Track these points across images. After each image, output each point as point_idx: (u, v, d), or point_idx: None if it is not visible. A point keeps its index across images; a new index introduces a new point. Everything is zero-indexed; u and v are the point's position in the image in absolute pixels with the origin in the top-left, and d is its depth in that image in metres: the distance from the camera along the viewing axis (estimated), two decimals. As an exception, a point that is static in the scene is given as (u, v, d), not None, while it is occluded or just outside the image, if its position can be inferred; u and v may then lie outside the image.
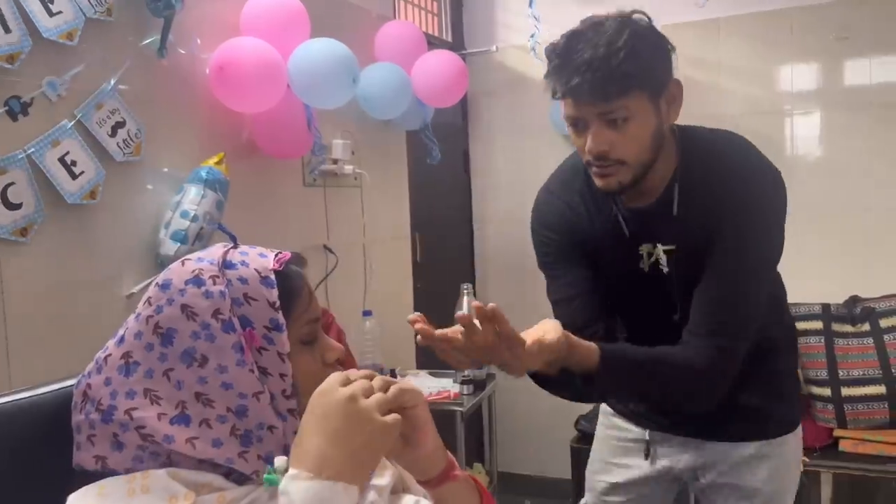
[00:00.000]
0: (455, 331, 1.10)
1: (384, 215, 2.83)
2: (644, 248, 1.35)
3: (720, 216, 1.26)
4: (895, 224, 2.84)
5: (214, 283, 0.79)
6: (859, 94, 2.92)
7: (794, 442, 1.49)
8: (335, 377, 0.74)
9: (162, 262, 1.78)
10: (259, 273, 0.80)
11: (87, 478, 0.76)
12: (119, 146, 1.71)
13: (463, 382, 2.49)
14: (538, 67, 3.29)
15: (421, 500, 0.86)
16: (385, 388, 0.75)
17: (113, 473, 0.76)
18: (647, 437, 1.53)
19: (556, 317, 1.37)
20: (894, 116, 2.84)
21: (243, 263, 0.81)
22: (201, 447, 0.76)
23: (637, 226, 1.34)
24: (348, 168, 2.49)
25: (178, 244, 1.73)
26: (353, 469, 0.71)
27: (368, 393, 0.73)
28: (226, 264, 0.81)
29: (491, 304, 1.06)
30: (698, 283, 1.29)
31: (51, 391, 0.90)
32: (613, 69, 1.15)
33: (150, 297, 0.81)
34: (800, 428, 1.50)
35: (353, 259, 2.60)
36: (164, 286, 0.80)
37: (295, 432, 0.79)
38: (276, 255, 0.84)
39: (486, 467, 3.02)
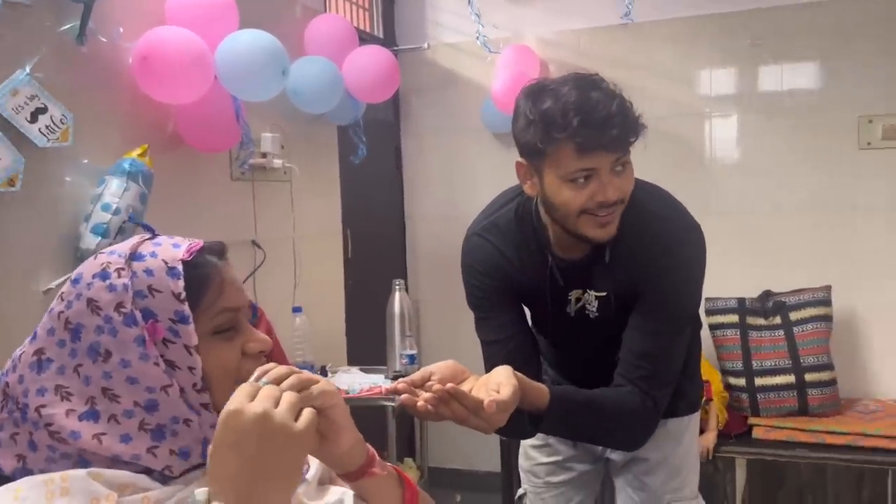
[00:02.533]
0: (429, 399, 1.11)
1: (314, 210, 2.80)
2: (573, 294, 1.43)
3: (648, 270, 1.35)
4: (804, 222, 3.00)
5: (119, 276, 0.77)
6: (772, 98, 3.07)
7: (695, 421, 1.64)
8: (242, 392, 0.71)
9: (81, 257, 1.72)
10: (166, 263, 0.78)
11: (6, 479, 0.74)
12: (42, 132, 1.64)
13: (395, 378, 2.49)
14: (470, 66, 3.35)
15: (347, 492, 0.87)
16: (300, 386, 0.73)
17: (30, 474, 0.74)
18: None
19: (488, 354, 1.44)
20: (804, 120, 2.99)
21: (152, 255, 0.79)
22: (108, 443, 0.74)
23: (569, 274, 1.41)
24: (277, 162, 2.46)
25: (99, 238, 1.68)
26: (278, 490, 0.69)
27: (277, 399, 0.70)
28: (135, 256, 0.79)
29: (449, 385, 1.07)
30: (626, 329, 1.38)
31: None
32: (631, 118, 1.25)
33: (62, 292, 0.80)
34: (699, 411, 1.66)
35: (282, 254, 2.57)
36: (75, 280, 0.79)
37: (212, 426, 0.78)
38: (190, 245, 0.82)
39: (416, 462, 3.04)
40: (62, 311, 0.78)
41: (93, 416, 0.75)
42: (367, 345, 3.00)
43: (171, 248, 0.81)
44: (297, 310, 2.51)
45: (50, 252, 1.71)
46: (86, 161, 1.80)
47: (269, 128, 2.45)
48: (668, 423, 1.54)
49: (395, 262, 3.54)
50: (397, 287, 2.57)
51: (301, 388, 0.73)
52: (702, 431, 2.46)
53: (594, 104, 1.22)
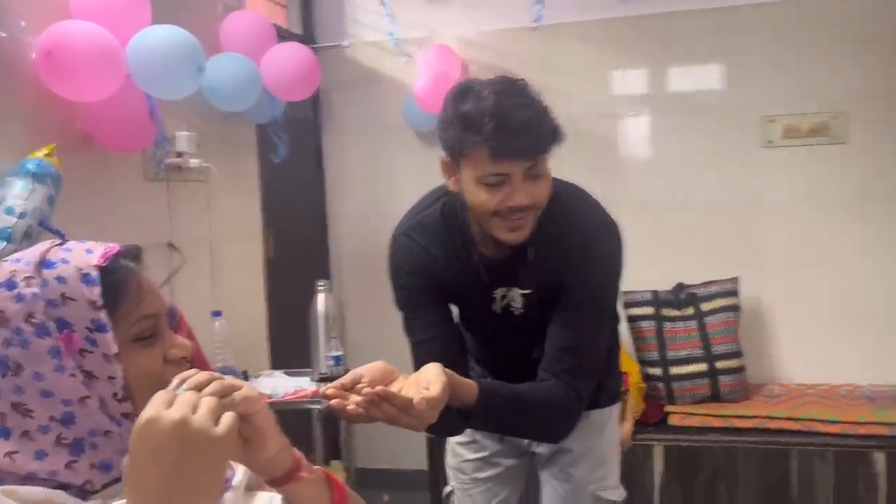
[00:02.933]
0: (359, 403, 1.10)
1: (233, 211, 2.74)
2: (498, 292, 1.45)
3: (569, 268, 1.39)
4: (713, 217, 3.15)
5: (28, 285, 0.74)
6: (681, 99, 3.20)
7: (617, 412, 1.71)
8: (159, 399, 0.68)
9: (-17, 263, 1.62)
10: (79, 270, 0.75)
11: None
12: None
13: (320, 380, 2.47)
14: (391, 65, 3.34)
15: (275, 497, 0.86)
16: (221, 392, 0.71)
17: None
18: None
19: (416, 354, 1.45)
20: (711, 120, 3.14)
21: (63, 261, 0.76)
22: (21, 461, 0.71)
23: (494, 273, 1.43)
24: (194, 162, 2.39)
25: (4, 243, 1.59)
26: (200, 497, 0.67)
27: (195, 405, 0.68)
28: (44, 263, 0.76)
29: (378, 388, 1.08)
30: (549, 325, 1.42)
31: None
32: (549, 127, 1.26)
33: None
34: (620, 402, 1.72)
35: (200, 257, 2.50)
36: None
37: None
38: (104, 250, 0.79)
39: (343, 464, 3.02)
40: None
41: (3, 433, 0.72)
42: (290, 348, 2.95)
43: (85, 254, 0.78)
44: (216, 314, 2.45)
45: (-53, 259, 1.61)
46: (-15, 162, 1.70)
47: (184, 126, 2.38)
48: (590, 414, 1.59)
49: (318, 263, 3.50)
50: (321, 288, 2.54)
51: (223, 393, 0.71)
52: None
53: (510, 111, 1.23)
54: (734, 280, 3.01)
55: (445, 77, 3.04)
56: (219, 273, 2.55)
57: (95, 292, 0.74)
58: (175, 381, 0.72)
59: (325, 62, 3.25)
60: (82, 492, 0.74)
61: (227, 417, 0.68)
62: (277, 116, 2.74)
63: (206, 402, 0.68)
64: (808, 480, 2.62)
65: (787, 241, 3.08)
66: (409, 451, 3.21)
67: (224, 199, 2.64)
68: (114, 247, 0.80)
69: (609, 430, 1.67)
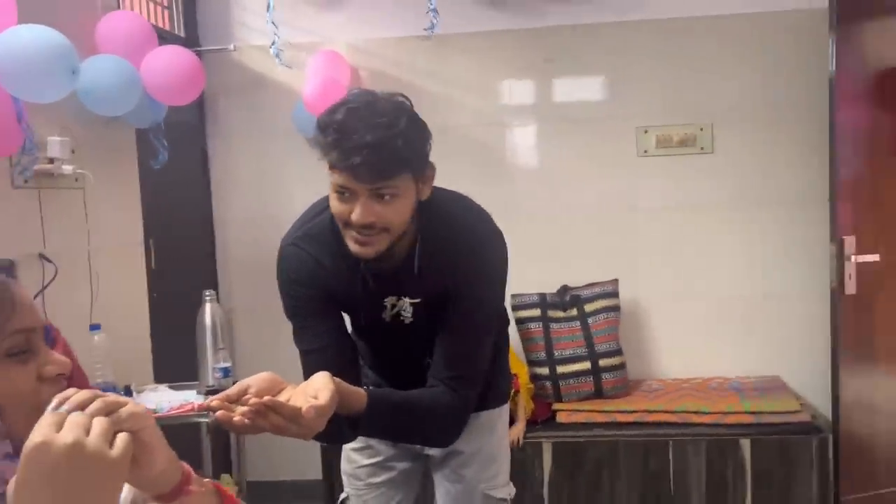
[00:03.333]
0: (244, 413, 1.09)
1: (112, 220, 2.61)
2: (389, 301, 1.47)
3: (456, 277, 1.43)
4: (593, 222, 3.30)
5: None
6: (564, 109, 3.34)
7: (506, 412, 1.76)
8: (46, 422, 0.65)
9: None
10: None
11: None
12: None
13: (208, 393, 2.40)
14: (280, 70, 3.29)
15: None
16: (106, 410, 0.69)
17: None
18: None
19: (306, 364, 1.45)
20: (590, 131, 3.29)
21: None
22: None
23: (383, 282, 1.45)
24: (68, 168, 2.26)
25: None
26: None
27: (88, 427, 0.66)
28: None
29: (266, 398, 1.07)
30: (437, 333, 1.45)
31: None
32: (392, 153, 1.25)
33: None
34: (509, 402, 1.77)
35: (76, 268, 2.37)
36: None
37: (7, 455, 0.73)
38: None
39: (234, 477, 2.94)
40: None
41: None
42: (175, 360, 2.84)
43: None
44: (94, 327, 2.33)
45: None
46: None
47: (57, 131, 2.25)
48: (480, 415, 1.63)
49: (205, 271, 3.39)
50: (208, 298, 2.47)
51: (108, 411, 0.69)
52: (511, 422, 2.62)
53: (352, 129, 1.25)
54: (614, 282, 3.17)
55: (335, 83, 3.03)
56: (97, 285, 2.43)
57: None
58: (55, 400, 0.70)
59: (211, 66, 3.16)
60: None
61: (122, 439, 0.67)
62: (159, 121, 2.64)
63: (99, 424, 0.66)
64: (684, 469, 2.79)
65: (661, 245, 3.27)
66: (302, 461, 3.17)
67: (102, 207, 2.51)
68: None
69: (499, 429, 1.72)
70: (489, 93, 3.36)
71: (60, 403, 0.69)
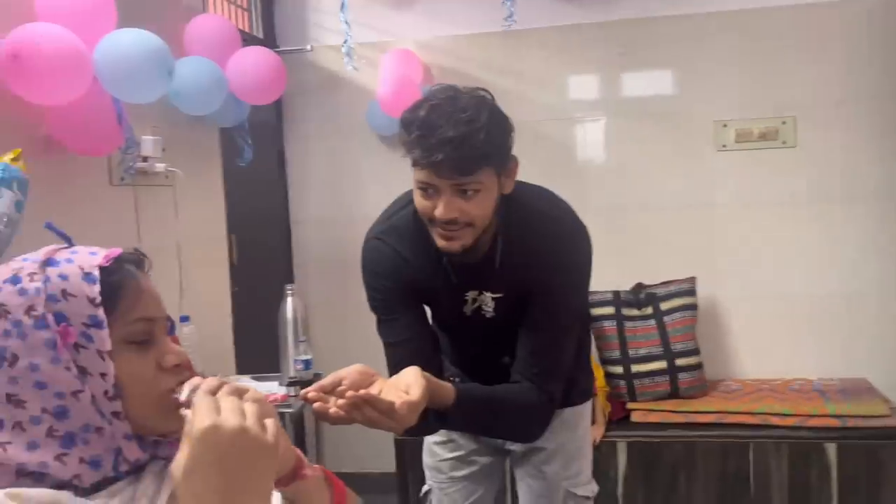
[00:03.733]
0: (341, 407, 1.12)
1: (198, 216, 2.71)
2: (470, 294, 1.48)
3: (539, 272, 1.42)
4: (670, 219, 3.24)
5: (31, 280, 0.76)
6: (638, 103, 3.29)
7: (588, 409, 1.75)
8: (207, 406, 0.68)
9: (-51, 270, 1.58)
10: (82, 269, 0.78)
11: None
12: None
13: (290, 385, 2.46)
14: (353, 70, 3.35)
15: (275, 495, 0.87)
16: (239, 395, 0.73)
17: None
18: None
19: (390, 355, 1.48)
20: (666, 125, 3.23)
21: (68, 260, 0.78)
22: (13, 452, 0.73)
23: (465, 276, 1.46)
24: (159, 166, 2.36)
25: (-29, 249, 1.55)
26: (259, 503, 0.69)
27: (243, 412, 0.69)
28: (49, 262, 0.78)
29: (362, 392, 1.10)
30: (520, 328, 1.45)
31: None
32: (474, 148, 1.25)
33: None
34: (592, 399, 1.77)
35: (166, 262, 2.47)
36: None
37: (125, 436, 0.77)
38: (108, 252, 0.81)
39: (311, 468, 3.01)
40: None
41: None
42: (256, 352, 2.94)
43: (88, 255, 0.80)
44: (184, 319, 2.43)
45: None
46: (-52, 167, 1.65)
47: (149, 130, 2.35)
48: (563, 412, 1.63)
49: (283, 267, 3.49)
50: (289, 292, 2.54)
51: (240, 393, 0.73)
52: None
53: (436, 125, 1.25)
54: (691, 280, 3.10)
55: (408, 81, 3.07)
56: (185, 278, 2.53)
57: (95, 290, 0.77)
58: (186, 387, 0.75)
59: (288, 66, 3.23)
60: (83, 491, 0.75)
61: (272, 423, 0.70)
62: (243, 120, 2.73)
63: (252, 409, 0.70)
64: (765, 472, 2.72)
65: (740, 242, 3.19)
66: (377, 454, 3.22)
67: (189, 203, 2.61)
68: (117, 250, 0.82)
69: (581, 426, 1.71)
70: (561, 88, 3.34)
71: (192, 390, 0.74)
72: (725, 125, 3.16)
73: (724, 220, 3.20)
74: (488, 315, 1.49)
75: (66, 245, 0.82)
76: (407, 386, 1.18)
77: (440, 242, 1.35)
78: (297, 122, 3.51)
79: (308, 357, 2.48)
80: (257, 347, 2.90)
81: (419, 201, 1.34)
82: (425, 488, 1.78)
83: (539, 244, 1.43)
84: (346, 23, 2.98)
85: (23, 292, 0.75)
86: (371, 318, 1.54)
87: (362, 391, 1.12)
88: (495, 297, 1.47)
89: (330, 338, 3.35)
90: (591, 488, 1.72)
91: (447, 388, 1.30)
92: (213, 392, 0.73)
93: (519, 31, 3.13)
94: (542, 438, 1.60)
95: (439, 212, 1.30)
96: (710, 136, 3.18)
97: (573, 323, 1.51)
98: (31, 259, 0.79)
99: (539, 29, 3.26)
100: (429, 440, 1.76)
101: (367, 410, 1.12)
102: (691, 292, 3.09)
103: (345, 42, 3.03)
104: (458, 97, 1.29)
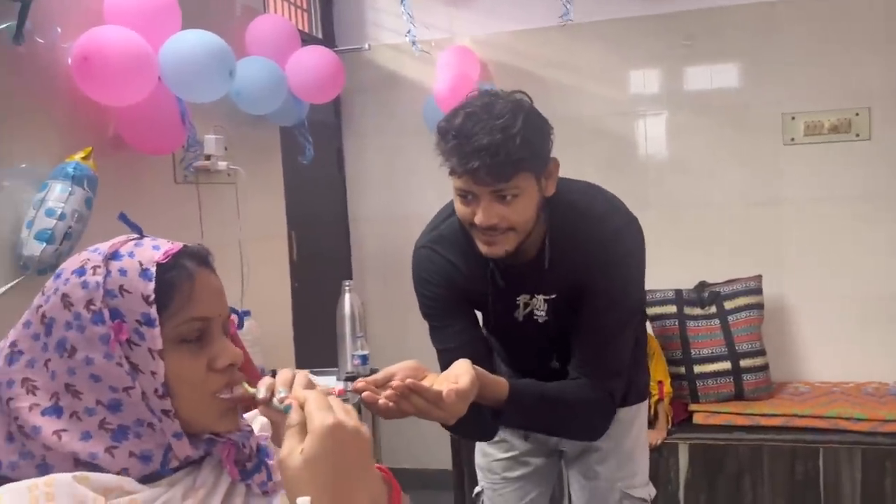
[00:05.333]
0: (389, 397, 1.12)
1: (259, 213, 2.77)
2: (521, 299, 1.47)
3: (590, 270, 1.40)
4: (735, 215, 3.15)
5: (94, 273, 0.77)
6: (701, 96, 3.20)
7: (644, 409, 1.71)
8: (322, 404, 0.72)
9: (25, 265, 1.65)
10: (140, 265, 0.77)
11: None
12: (-30, 140, 1.58)
13: (347, 379, 2.49)
14: (411, 67, 3.37)
15: None
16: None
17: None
18: None
19: (443, 362, 1.46)
20: (730, 118, 3.14)
21: (130, 255, 0.79)
22: (67, 440, 0.74)
23: (514, 280, 1.45)
24: (222, 164, 2.41)
25: (44, 244, 1.62)
26: (364, 499, 0.72)
27: (349, 412, 0.73)
28: (114, 255, 0.79)
29: (408, 380, 1.09)
30: (573, 330, 1.43)
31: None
32: (510, 154, 1.24)
33: (44, 287, 0.80)
34: (648, 399, 1.72)
35: (228, 258, 2.53)
36: (57, 275, 0.80)
37: (174, 435, 0.77)
38: (168, 248, 0.80)
39: (368, 463, 3.03)
40: (40, 306, 0.78)
41: (56, 411, 0.75)
42: (315, 347, 2.98)
43: (151, 250, 0.80)
44: (245, 314, 2.47)
45: (-10, 260, 1.64)
46: (24, 165, 1.73)
47: (212, 129, 2.41)
48: (618, 412, 1.58)
49: (341, 264, 3.53)
50: (347, 288, 2.56)
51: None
52: (651, 426, 2.55)
53: (471, 133, 1.24)
54: (757, 278, 3.00)
55: (465, 78, 3.06)
56: (247, 274, 2.58)
57: (149, 287, 0.76)
58: (262, 388, 0.77)
59: (346, 65, 3.27)
60: (151, 478, 0.77)
61: (363, 425, 0.73)
62: (303, 119, 2.77)
63: (353, 410, 0.73)
64: (836, 478, 2.61)
65: (809, 239, 3.07)
66: (434, 450, 3.23)
67: (251, 201, 2.66)
68: (178, 245, 0.82)
69: (636, 427, 1.67)
70: (621, 81, 3.28)
71: (269, 390, 0.77)
72: (794, 118, 3.04)
73: (792, 216, 3.09)
74: (541, 320, 1.47)
75: (136, 237, 0.82)
76: (456, 377, 1.17)
77: (483, 248, 1.35)
78: (354, 121, 3.54)
79: (365, 352, 2.50)
80: (316, 342, 2.94)
81: (459, 208, 1.34)
82: (477, 489, 1.76)
83: (588, 243, 1.41)
84: (409, 14, 3.00)
85: (85, 285, 0.76)
86: (427, 315, 1.53)
87: (409, 380, 1.12)
88: (547, 298, 1.45)
89: (386, 333, 3.37)
90: (648, 491, 1.67)
91: (500, 383, 1.29)
92: (288, 384, 0.77)
93: (577, 24, 3.08)
94: (603, 439, 1.57)
95: (479, 218, 1.30)
96: (777, 129, 3.07)
97: (629, 318, 1.48)
98: (99, 251, 0.80)
99: (598, 22, 3.21)
100: (479, 445, 1.73)
101: (415, 400, 1.11)
102: (757, 291, 2.99)
103: (408, 32, 3.04)
104: (494, 103, 1.28)
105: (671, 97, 3.24)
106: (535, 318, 1.47)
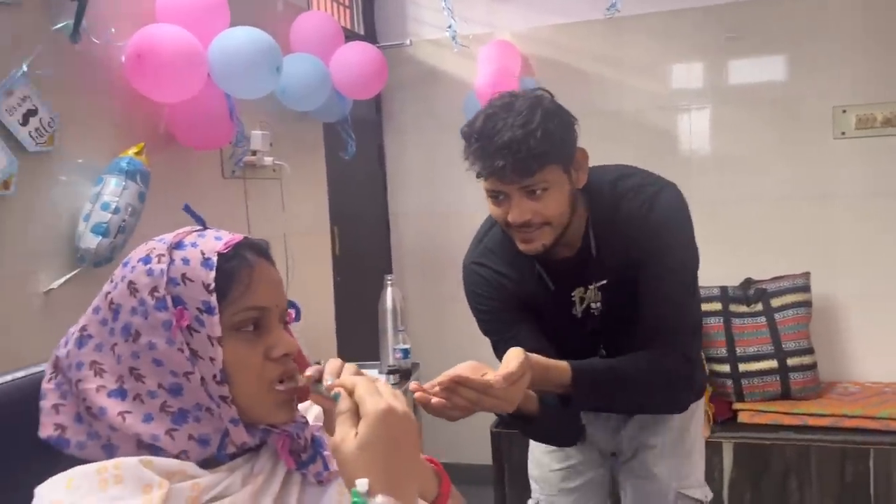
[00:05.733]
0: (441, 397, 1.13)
1: (303, 208, 2.80)
2: (576, 294, 1.46)
3: (640, 249, 1.39)
4: (782, 211, 3.08)
5: (158, 262, 0.79)
6: (747, 90, 3.14)
7: (702, 407, 1.68)
8: (372, 388, 0.74)
9: (82, 257, 1.70)
10: (203, 254, 0.80)
11: (52, 457, 0.76)
12: (31, 135, 1.62)
13: (389, 373, 2.51)
14: (452, 62, 3.37)
15: None
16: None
17: (67, 444, 0.77)
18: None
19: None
20: (778, 113, 3.07)
21: (193, 245, 0.81)
22: (131, 421, 0.76)
23: (563, 276, 1.45)
24: (267, 160, 2.45)
25: (100, 237, 1.66)
26: (414, 483, 0.75)
27: (398, 397, 0.75)
28: (178, 245, 0.81)
29: (455, 375, 1.10)
30: (638, 307, 1.40)
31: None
32: (532, 149, 1.25)
33: (113, 274, 0.83)
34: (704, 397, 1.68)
35: (273, 252, 2.55)
36: (124, 263, 0.83)
37: (231, 420, 0.79)
38: (229, 239, 0.83)
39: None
40: (109, 292, 0.81)
41: (121, 394, 0.78)
42: (357, 340, 3.01)
43: (213, 241, 0.82)
44: (290, 306, 2.51)
45: (49, 253, 1.69)
46: (80, 161, 1.78)
47: (258, 125, 2.45)
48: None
49: (381, 259, 3.55)
50: (389, 282, 2.58)
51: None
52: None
53: (493, 133, 1.26)
54: (806, 275, 2.94)
55: (506, 73, 3.05)
56: (291, 267, 2.61)
57: (210, 276, 0.79)
58: (328, 375, 0.79)
59: (387, 61, 3.29)
60: (212, 463, 0.79)
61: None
62: (346, 115, 2.79)
63: (401, 395, 0.75)
64: (887, 480, 2.54)
65: (860, 235, 3.00)
66: (473, 446, 3.23)
67: (295, 196, 2.70)
68: (238, 237, 0.84)
69: (693, 425, 1.63)
70: (664, 75, 3.23)
71: (317, 375, 0.80)
72: (845, 111, 2.97)
73: (842, 212, 3.01)
74: (597, 312, 1.46)
75: (199, 228, 0.85)
76: (506, 363, 1.17)
77: (521, 246, 1.36)
78: (395, 117, 3.56)
79: (406, 346, 2.52)
80: (358, 335, 2.97)
81: (493, 210, 1.36)
82: (531, 501, 1.73)
83: (629, 219, 1.40)
84: (449, 9, 3.00)
85: (150, 273, 0.79)
86: (467, 309, 1.53)
87: (453, 374, 1.12)
88: (599, 285, 1.44)
89: (426, 327, 3.38)
90: (705, 492, 1.63)
91: (560, 366, 1.28)
92: (337, 373, 0.79)
93: (620, 18, 3.05)
94: (653, 435, 1.55)
95: (512, 216, 1.31)
96: (827, 123, 3.00)
97: (691, 280, 1.46)
98: (164, 240, 0.82)
99: (641, 15, 3.17)
100: (535, 451, 1.71)
101: (464, 392, 1.11)
102: (805, 288, 2.92)
103: (449, 27, 3.05)
104: (514, 102, 1.29)
105: (716, 91, 3.19)
106: (593, 311, 1.46)
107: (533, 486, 1.73)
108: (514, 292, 1.46)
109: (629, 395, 1.40)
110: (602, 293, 1.45)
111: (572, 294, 1.46)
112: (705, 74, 3.22)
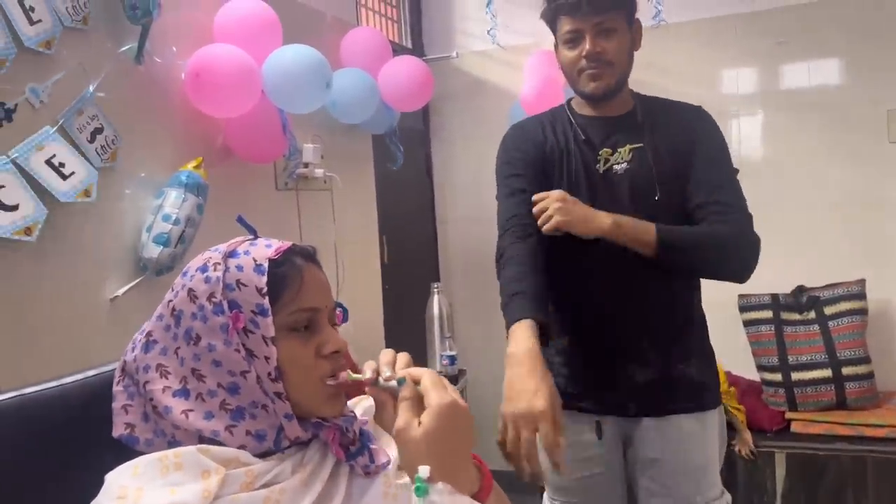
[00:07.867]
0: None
1: (353, 218, 2.87)
2: (603, 153, 1.59)
3: (689, 131, 1.58)
4: (836, 217, 3.02)
5: (215, 270, 0.85)
6: (799, 95, 3.10)
7: (721, 415, 1.67)
8: (436, 384, 0.81)
9: (145, 266, 1.80)
10: (255, 261, 0.85)
11: (122, 452, 0.82)
12: (97, 152, 1.73)
13: (436, 378, 2.55)
14: (498, 72, 3.41)
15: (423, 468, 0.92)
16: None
17: (136, 441, 0.84)
18: (598, 419, 1.61)
19: (504, 227, 1.60)
20: (830, 117, 3.02)
21: (246, 252, 0.86)
22: (193, 419, 0.82)
23: (597, 133, 1.60)
24: (319, 172, 2.53)
25: (161, 247, 1.75)
26: (468, 472, 0.82)
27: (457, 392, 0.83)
28: (232, 253, 0.87)
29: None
30: (645, 181, 1.54)
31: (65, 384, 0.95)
32: None
33: (174, 283, 0.90)
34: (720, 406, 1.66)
35: (325, 261, 2.61)
36: (184, 273, 0.89)
37: (286, 416, 0.84)
38: (279, 246, 0.88)
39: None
40: (171, 300, 0.87)
41: (184, 393, 0.83)
42: (405, 347, 3.02)
43: (264, 248, 0.88)
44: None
45: (115, 262, 1.79)
46: (143, 174, 1.88)
47: (310, 139, 2.53)
48: (688, 419, 1.55)
49: (429, 267, 3.60)
50: (436, 290, 2.63)
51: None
52: (730, 429, 2.48)
53: None
54: (861, 282, 2.87)
55: (552, 82, 3.07)
56: (342, 276, 2.69)
57: (263, 281, 0.84)
58: (385, 368, 0.86)
59: (434, 73, 3.35)
60: (266, 453, 0.84)
61: None
62: (394, 127, 2.86)
63: (458, 392, 0.82)
64: (948, 493, 2.47)
65: (918, 241, 2.91)
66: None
67: (345, 206, 2.77)
68: (287, 244, 0.90)
69: (709, 435, 1.59)
70: (712, 81, 3.21)
71: (374, 371, 0.86)
72: (900, 114, 2.90)
73: (897, 217, 2.94)
74: (621, 170, 1.56)
75: (251, 237, 0.91)
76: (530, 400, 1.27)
77: (588, 86, 1.54)
78: (442, 127, 3.61)
79: (453, 353, 2.56)
80: (406, 342, 2.99)
81: (566, 55, 1.55)
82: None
83: (679, 110, 1.62)
84: (492, 15, 3.05)
85: (207, 280, 0.85)
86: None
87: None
88: (634, 147, 1.56)
89: (473, 335, 3.42)
90: (726, 500, 1.59)
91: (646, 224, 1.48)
92: (391, 364, 0.87)
93: (666, 25, 3.04)
94: (665, 451, 1.54)
95: (587, 48, 1.50)
96: (882, 126, 2.93)
97: (733, 170, 1.61)
98: (219, 250, 0.88)
99: (687, 22, 3.16)
100: (545, 497, 1.70)
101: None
102: (860, 296, 2.86)
103: (489, 30, 3.11)
104: None
105: (765, 96, 3.15)
106: (615, 171, 1.56)
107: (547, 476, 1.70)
108: (545, 143, 1.60)
109: (705, 251, 1.52)
110: (632, 154, 1.56)
111: (599, 153, 1.58)
112: (754, 80, 3.19)
